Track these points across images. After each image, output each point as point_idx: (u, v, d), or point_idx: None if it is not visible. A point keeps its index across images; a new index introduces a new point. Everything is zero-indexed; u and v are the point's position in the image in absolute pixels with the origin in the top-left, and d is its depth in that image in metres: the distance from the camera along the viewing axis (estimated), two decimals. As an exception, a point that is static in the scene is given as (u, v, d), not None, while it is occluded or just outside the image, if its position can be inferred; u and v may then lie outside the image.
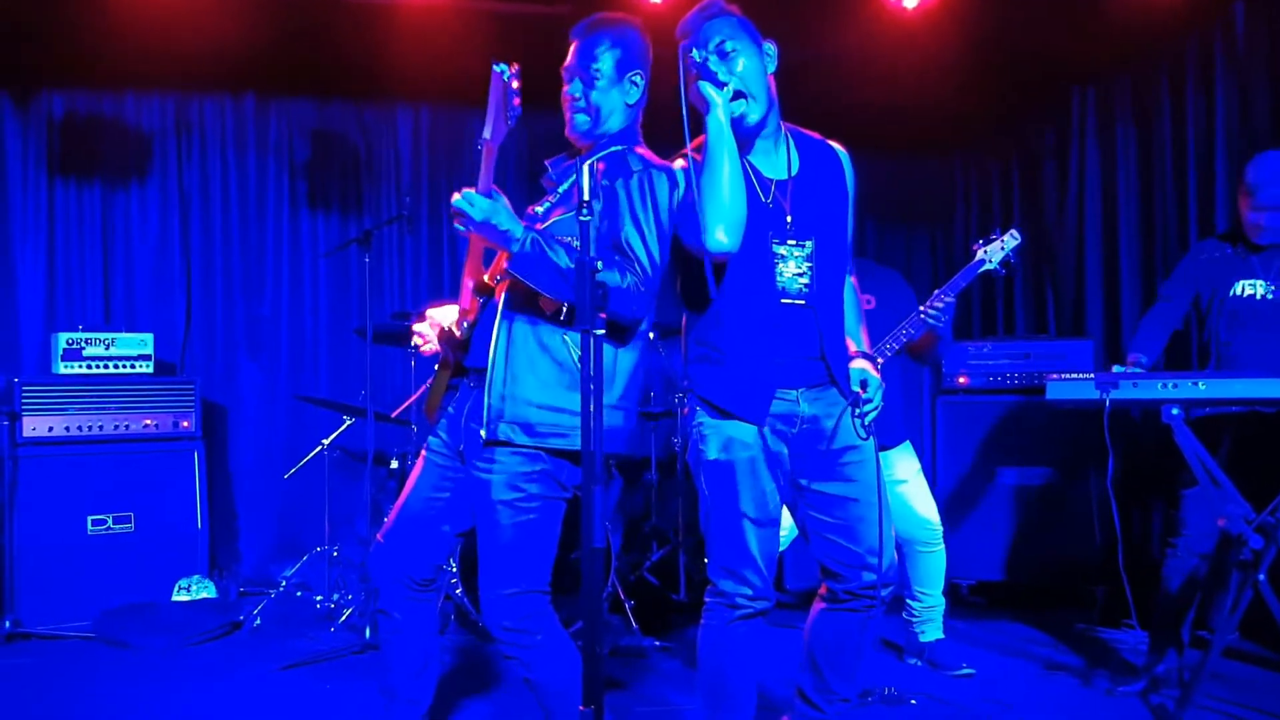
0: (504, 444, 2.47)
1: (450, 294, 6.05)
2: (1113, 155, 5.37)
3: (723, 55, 2.49)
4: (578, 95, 2.62)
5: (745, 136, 2.54)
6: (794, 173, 2.62)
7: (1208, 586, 3.66)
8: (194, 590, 4.88)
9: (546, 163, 2.72)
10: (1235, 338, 3.67)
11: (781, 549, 3.99)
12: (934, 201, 6.60)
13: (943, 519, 4.04)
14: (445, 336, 2.63)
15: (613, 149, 2.57)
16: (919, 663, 4.08)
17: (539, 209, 2.64)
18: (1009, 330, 6.10)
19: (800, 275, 2.56)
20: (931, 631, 4.06)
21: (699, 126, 2.49)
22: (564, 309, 2.45)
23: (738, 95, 2.47)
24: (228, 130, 5.84)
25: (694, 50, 2.47)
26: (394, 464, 4.67)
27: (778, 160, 2.62)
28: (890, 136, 5.91)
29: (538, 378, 2.47)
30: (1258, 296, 3.65)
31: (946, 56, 4.91)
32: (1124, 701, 3.66)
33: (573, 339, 2.47)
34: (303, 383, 5.86)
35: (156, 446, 4.97)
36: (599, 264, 2.18)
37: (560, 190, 2.61)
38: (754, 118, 2.52)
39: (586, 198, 2.16)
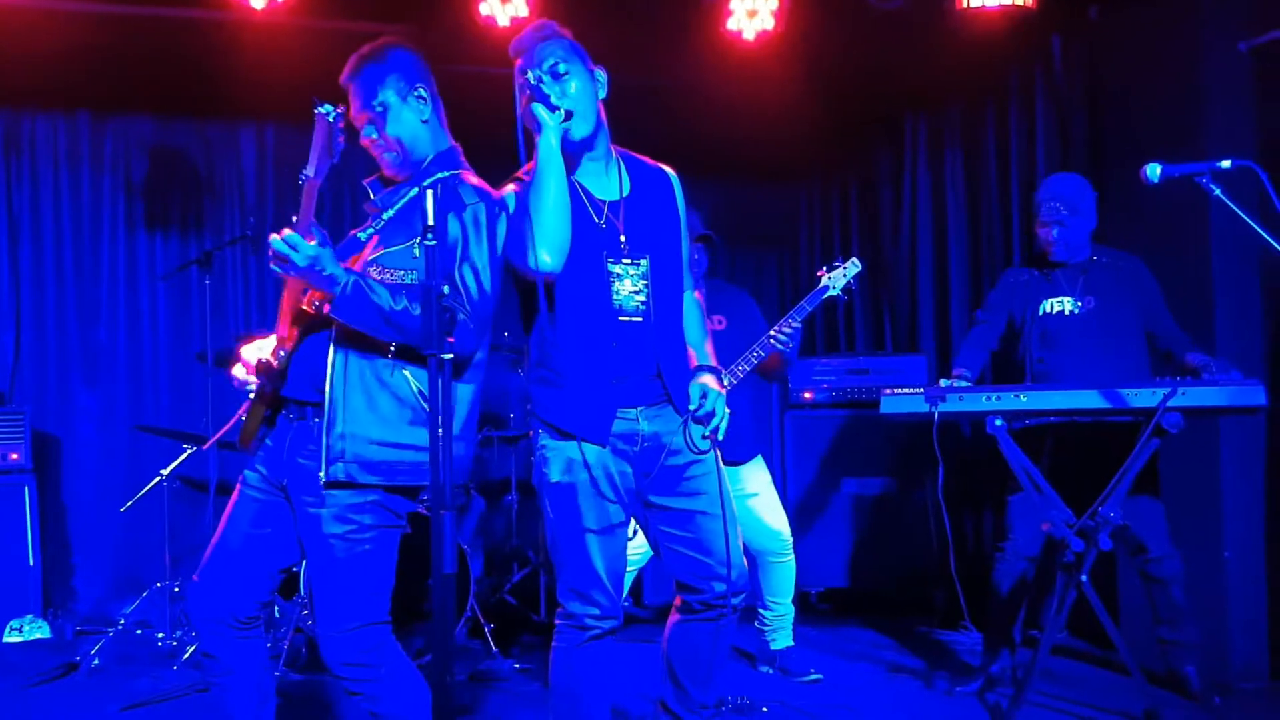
0: (345, 485, 2.43)
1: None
2: (942, 180, 5.66)
3: (555, 76, 2.56)
4: (376, 138, 2.61)
5: (572, 152, 2.59)
6: (625, 193, 2.67)
7: (1035, 588, 3.87)
8: (27, 631, 4.64)
9: (366, 184, 2.69)
10: (1048, 354, 3.88)
11: (640, 565, 4.06)
12: (780, 225, 6.80)
13: (792, 529, 4.17)
14: (263, 368, 2.54)
15: (439, 175, 2.56)
16: (771, 670, 4.19)
17: (360, 235, 2.61)
18: (850, 347, 6.32)
19: (637, 293, 2.61)
20: (782, 639, 4.17)
21: (533, 143, 2.55)
22: (391, 346, 2.44)
23: (568, 115, 2.52)
24: (60, 149, 5.61)
25: (529, 71, 2.53)
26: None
27: (609, 182, 2.68)
28: (737, 163, 6.08)
29: (377, 415, 2.43)
30: (1066, 312, 3.87)
31: (786, 85, 5.08)
32: (962, 701, 3.84)
33: (414, 372, 2.45)
34: (142, 411, 5.64)
35: (-17, 481, 4.72)
36: (445, 289, 2.18)
37: (385, 217, 2.58)
38: (580, 134, 2.57)
39: (431, 222, 2.18)
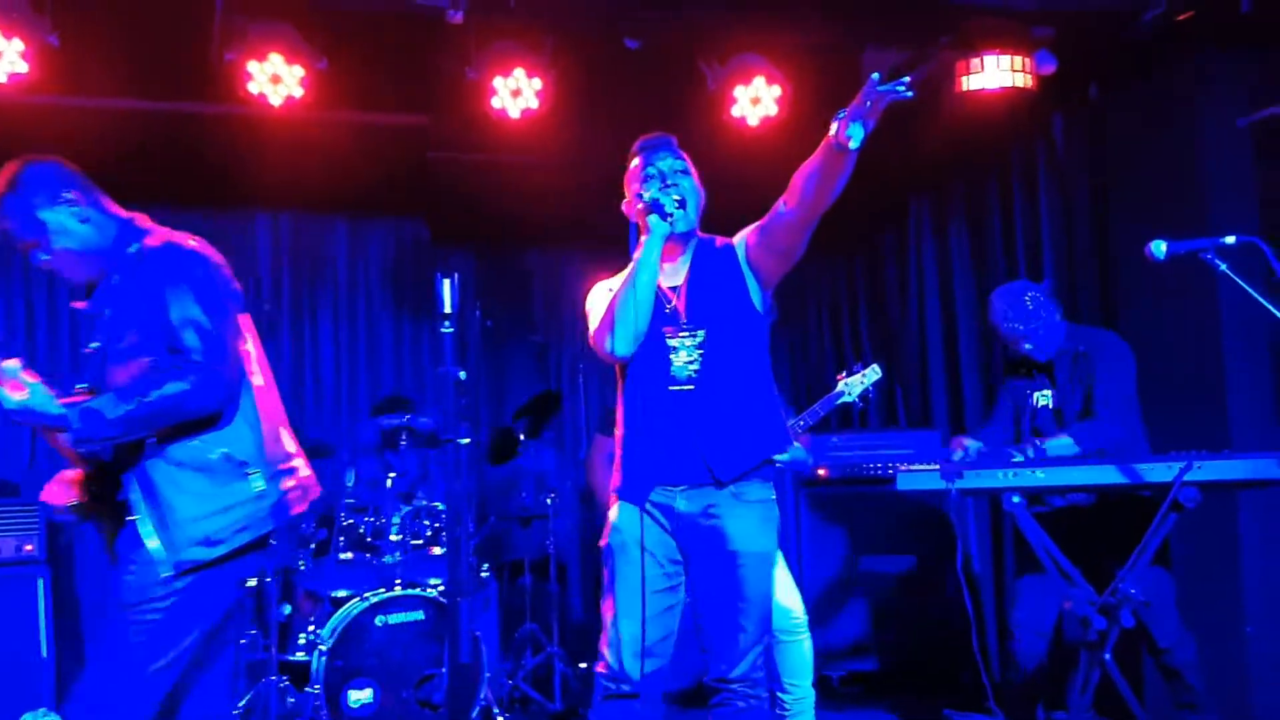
0: (197, 568, 2.44)
1: (314, 406, 5.96)
2: (949, 257, 5.69)
3: (674, 172, 2.84)
4: (46, 258, 2.63)
5: (671, 241, 2.82)
6: (689, 275, 2.87)
7: (1055, 667, 3.82)
8: (39, 725, 4.59)
9: (76, 308, 2.71)
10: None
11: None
12: (790, 304, 6.85)
13: (810, 610, 4.11)
14: (80, 492, 2.57)
15: (127, 253, 2.59)
16: (793, 757, 4.10)
17: (92, 346, 2.61)
18: (863, 423, 6.31)
19: (690, 363, 2.78)
20: (804, 725, 4.09)
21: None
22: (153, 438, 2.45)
23: (681, 204, 2.76)
24: (77, 242, 5.70)
25: (649, 184, 2.80)
26: (251, 581, 4.51)
27: (680, 267, 2.89)
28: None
29: (190, 493, 2.45)
30: (1050, 407, 3.92)
31: (790, 166, 5.14)
32: (987, 785, 3.77)
33: (203, 440, 2.47)
34: (157, 499, 5.63)
35: (-2, 573, 4.71)
36: (461, 374, 2.21)
37: (101, 319, 2.59)
38: (682, 228, 2.80)
39: (449, 310, 2.22)
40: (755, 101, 4.62)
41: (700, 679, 2.86)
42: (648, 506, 2.75)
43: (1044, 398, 3.93)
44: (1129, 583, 3.33)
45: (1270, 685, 3.97)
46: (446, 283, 2.27)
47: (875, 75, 2.38)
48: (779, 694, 4.08)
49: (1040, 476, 3.47)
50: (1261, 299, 2.83)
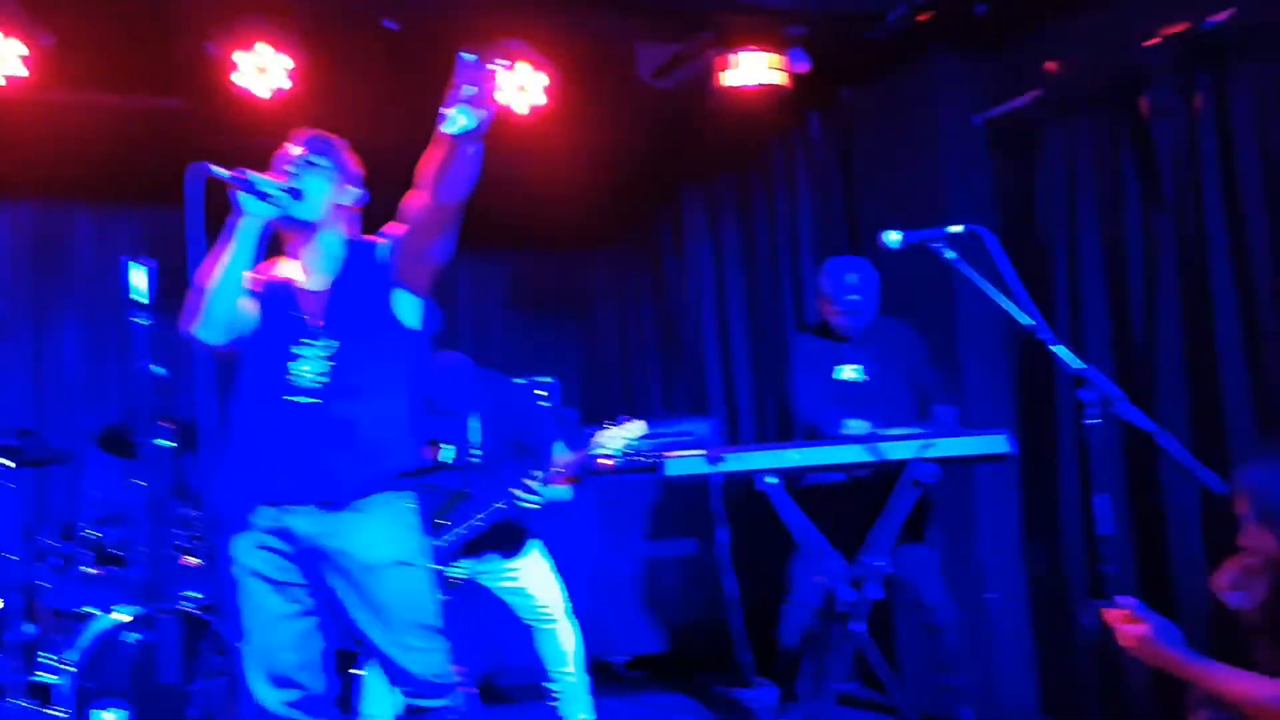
0: None
1: (56, 406, 5.54)
2: (720, 247, 5.85)
3: (304, 163, 2.66)
4: None
5: (294, 232, 2.68)
6: (333, 279, 2.69)
7: (818, 640, 3.97)
8: None
9: None
10: (844, 419, 3.92)
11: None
12: (575, 294, 6.87)
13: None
14: None
15: None
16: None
17: None
18: (645, 411, 6.38)
19: (318, 374, 2.58)
20: (576, 711, 4.08)
21: None
22: None
23: (295, 195, 2.61)
24: None
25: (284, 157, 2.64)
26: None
27: (322, 270, 2.70)
28: (525, 236, 6.13)
29: None
30: (856, 380, 3.99)
31: (566, 158, 5.13)
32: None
33: None
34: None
35: None
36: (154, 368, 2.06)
37: None
38: (301, 215, 2.64)
39: (140, 299, 2.07)
40: (521, 89, 4.57)
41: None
42: (261, 527, 2.57)
43: (852, 371, 3.97)
44: (874, 554, 3.48)
45: (1009, 648, 4.26)
46: (135, 268, 2.07)
47: (466, 56, 2.32)
48: (546, 684, 4.07)
49: (796, 457, 3.58)
50: (984, 285, 2.90)
